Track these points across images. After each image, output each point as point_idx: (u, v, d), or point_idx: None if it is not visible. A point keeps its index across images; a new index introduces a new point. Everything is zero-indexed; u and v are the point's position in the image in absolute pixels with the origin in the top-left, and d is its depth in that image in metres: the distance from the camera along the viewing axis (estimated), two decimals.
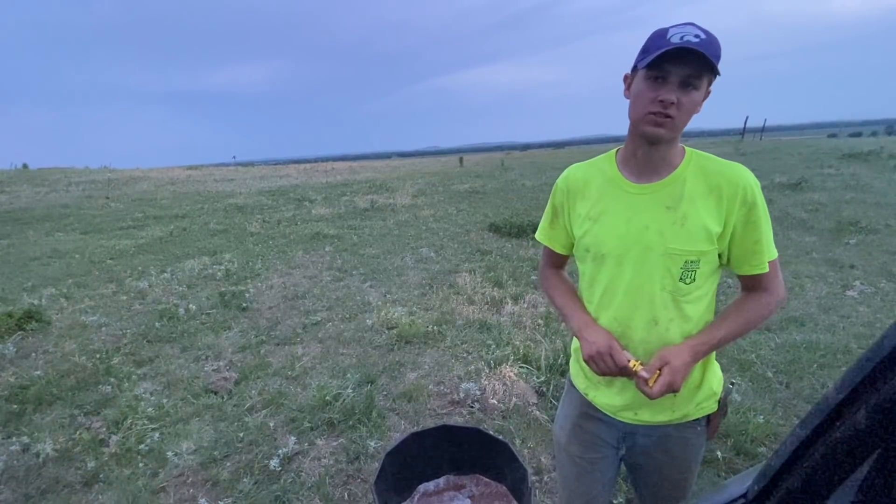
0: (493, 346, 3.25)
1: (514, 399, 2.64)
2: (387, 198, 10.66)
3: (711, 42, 0.84)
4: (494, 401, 2.65)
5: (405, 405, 2.69)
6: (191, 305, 4.29)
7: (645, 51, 0.88)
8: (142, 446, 2.38)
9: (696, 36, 0.83)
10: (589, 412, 1.14)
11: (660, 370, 0.91)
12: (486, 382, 2.80)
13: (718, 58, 0.84)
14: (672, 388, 0.90)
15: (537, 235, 1.21)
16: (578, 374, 1.18)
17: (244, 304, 4.32)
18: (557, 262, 1.22)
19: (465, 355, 3.23)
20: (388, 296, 4.46)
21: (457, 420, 2.54)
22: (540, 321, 3.67)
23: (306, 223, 8.28)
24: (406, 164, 23.30)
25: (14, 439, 2.46)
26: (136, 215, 9.62)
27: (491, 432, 1.96)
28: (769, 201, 6.66)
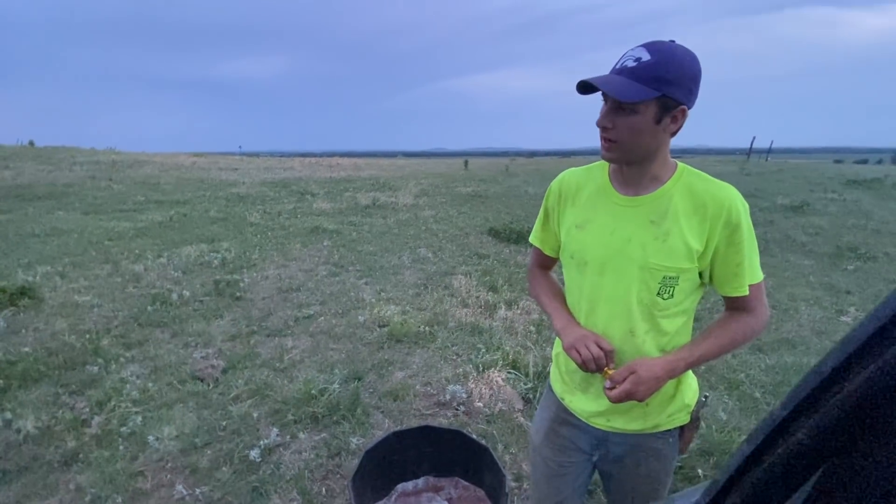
0: (483, 350, 3.24)
1: (499, 404, 2.63)
2: (389, 196, 10.66)
3: (653, 65, 0.83)
4: (480, 404, 2.64)
5: (390, 404, 2.68)
6: (184, 291, 4.29)
7: None
8: (123, 429, 2.37)
9: (637, 60, 0.84)
10: (564, 416, 1.15)
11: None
12: (473, 386, 2.80)
13: (665, 81, 0.83)
14: (632, 398, 0.91)
15: (531, 238, 1.23)
16: (557, 378, 1.19)
17: (238, 294, 4.32)
18: (545, 263, 1.24)
19: (454, 357, 3.23)
20: (382, 294, 4.46)
21: (441, 422, 2.53)
22: (532, 328, 3.66)
23: (306, 216, 8.28)
24: (411, 164, 23.32)
25: None
26: (138, 199, 9.63)
27: (473, 436, 1.95)
28: (770, 222, 6.64)
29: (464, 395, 2.71)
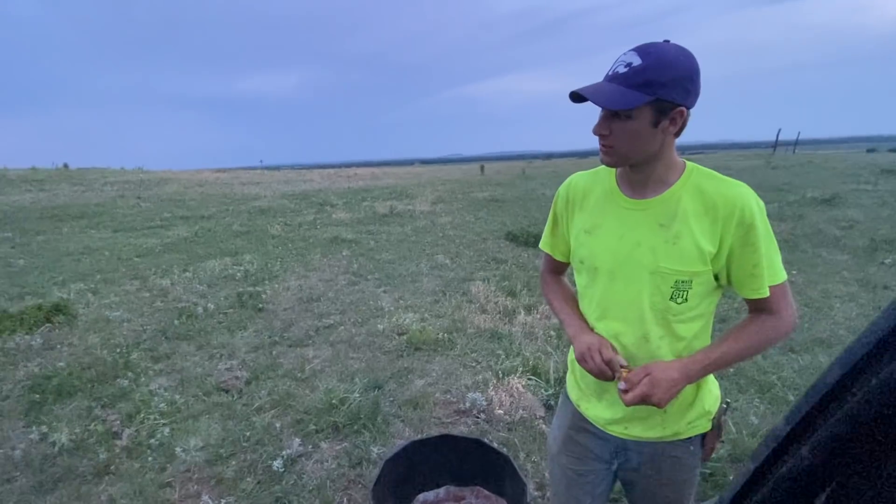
0: (503, 357, 3.22)
1: (520, 411, 2.60)
2: (406, 204, 10.74)
3: (645, 69, 0.82)
4: (501, 412, 2.61)
5: (410, 412, 2.68)
6: (209, 304, 4.40)
7: None
8: (152, 440, 2.44)
9: (628, 65, 0.84)
10: (581, 424, 1.13)
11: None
12: (493, 393, 2.77)
13: (660, 84, 0.82)
14: (648, 400, 0.87)
15: (541, 244, 1.22)
16: (573, 384, 1.17)
17: (260, 305, 4.41)
18: (557, 268, 1.22)
19: (473, 364, 3.21)
20: (400, 301, 4.47)
21: (461, 430, 2.51)
22: (552, 333, 3.61)
23: (326, 227, 8.41)
24: (428, 171, 23.46)
25: (34, 428, 2.55)
26: (165, 215, 9.95)
27: (494, 444, 1.93)
28: (800, 217, 6.38)
29: (484, 403, 2.69)
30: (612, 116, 0.88)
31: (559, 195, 1.12)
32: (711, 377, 1.04)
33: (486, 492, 1.94)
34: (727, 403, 1.04)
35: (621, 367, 0.94)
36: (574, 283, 1.16)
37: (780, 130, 24.38)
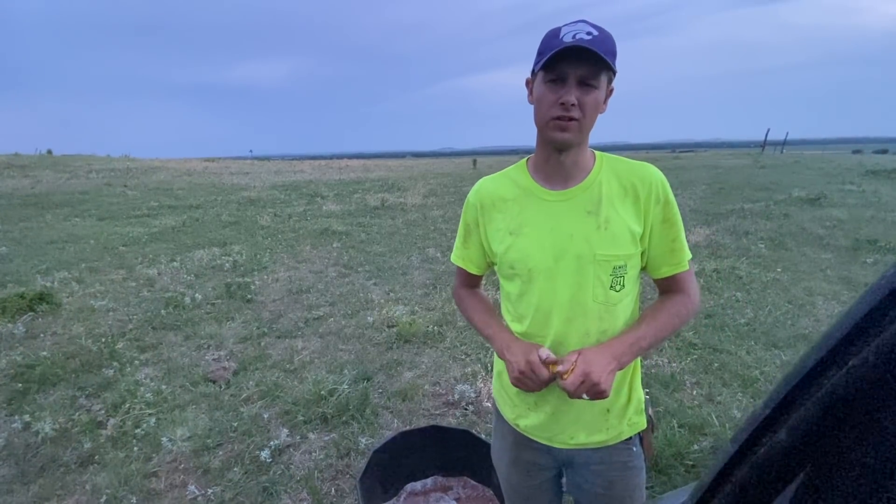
0: (493, 350, 3.23)
1: None
2: (398, 197, 10.70)
3: (605, 38, 0.81)
4: (489, 404, 2.63)
5: (399, 404, 2.69)
6: (197, 295, 4.35)
7: (540, 53, 0.85)
8: (138, 430, 2.42)
9: (589, 33, 0.81)
10: (524, 443, 1.07)
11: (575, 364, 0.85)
12: (482, 385, 2.79)
13: (614, 54, 0.82)
14: (589, 379, 0.82)
15: (452, 258, 1.13)
16: (505, 401, 1.09)
17: (249, 296, 4.37)
18: (472, 282, 1.16)
19: (463, 357, 3.22)
20: (391, 294, 4.47)
21: (450, 421, 2.53)
22: None
23: (316, 219, 8.35)
24: (420, 164, 23.38)
25: (16, 417, 2.52)
26: (152, 204, 9.81)
27: (482, 436, 1.94)
28: (785, 216, 6.42)
29: (473, 395, 2.71)
30: (581, 85, 0.83)
31: (469, 204, 1.05)
32: (638, 373, 1.02)
33: (473, 482, 1.96)
34: (648, 394, 1.04)
35: (548, 362, 0.88)
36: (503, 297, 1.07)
37: (768, 130, 24.75)
